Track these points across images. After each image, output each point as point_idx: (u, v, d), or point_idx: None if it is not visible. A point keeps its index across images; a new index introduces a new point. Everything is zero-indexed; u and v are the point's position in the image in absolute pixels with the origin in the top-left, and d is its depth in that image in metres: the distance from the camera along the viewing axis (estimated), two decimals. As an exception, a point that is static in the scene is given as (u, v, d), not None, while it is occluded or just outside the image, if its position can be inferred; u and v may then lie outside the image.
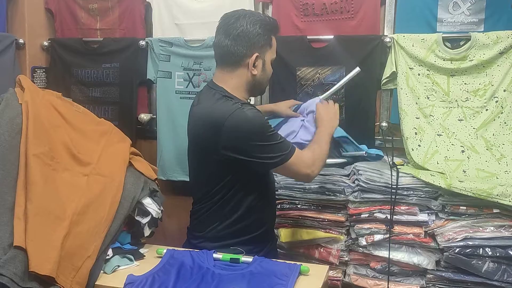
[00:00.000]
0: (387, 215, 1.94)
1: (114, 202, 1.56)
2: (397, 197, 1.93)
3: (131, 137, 1.90)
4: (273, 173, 1.83)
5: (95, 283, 1.44)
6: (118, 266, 1.54)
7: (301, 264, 1.56)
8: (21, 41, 2.59)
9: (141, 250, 1.69)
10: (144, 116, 2.59)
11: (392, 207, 1.92)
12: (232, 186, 1.63)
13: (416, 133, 2.06)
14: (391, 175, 1.94)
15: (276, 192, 2.00)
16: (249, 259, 1.55)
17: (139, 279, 1.42)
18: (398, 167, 1.99)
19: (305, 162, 1.62)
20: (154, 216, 1.74)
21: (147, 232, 1.75)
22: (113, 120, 2.40)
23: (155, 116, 2.56)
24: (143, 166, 1.79)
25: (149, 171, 1.80)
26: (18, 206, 1.37)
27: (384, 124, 2.23)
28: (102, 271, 1.50)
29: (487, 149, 1.98)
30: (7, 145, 1.49)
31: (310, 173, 1.64)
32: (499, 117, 1.99)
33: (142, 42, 2.51)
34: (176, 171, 2.52)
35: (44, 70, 2.71)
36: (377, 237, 1.96)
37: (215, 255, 1.56)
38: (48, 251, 1.31)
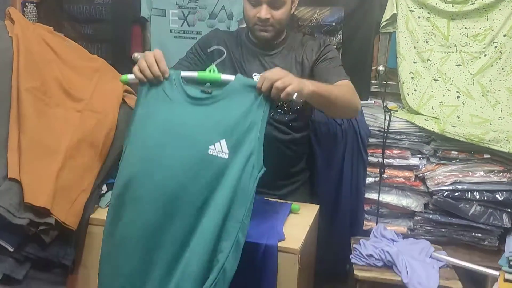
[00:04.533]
0: (380, 159, 1.97)
1: (108, 138, 1.56)
2: (390, 141, 1.95)
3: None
4: None
5: (90, 216, 1.47)
6: (113, 201, 1.57)
7: (292, 203, 1.59)
8: (10, -27, 2.49)
9: (136, 187, 1.71)
10: (138, 55, 2.52)
11: (383, 151, 1.94)
12: None
13: (412, 78, 2.05)
14: (384, 119, 1.94)
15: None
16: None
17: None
18: (392, 112, 1.99)
19: None
20: (148, 153, 1.75)
21: (141, 169, 1.77)
22: (106, 58, 2.33)
23: (149, 56, 2.51)
24: (136, 104, 1.78)
25: (143, 109, 1.78)
26: (11, 139, 1.37)
27: (381, 68, 2.20)
28: (97, 205, 1.52)
29: (482, 95, 1.97)
30: (-2, 79, 1.46)
31: None
32: (497, 62, 1.97)
33: (135, -23, 2.41)
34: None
35: (35, 4, 2.62)
36: (369, 180, 1.99)
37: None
38: (42, 183, 1.32)
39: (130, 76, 1.33)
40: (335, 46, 1.83)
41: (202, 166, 1.21)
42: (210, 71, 1.32)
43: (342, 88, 1.50)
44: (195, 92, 1.28)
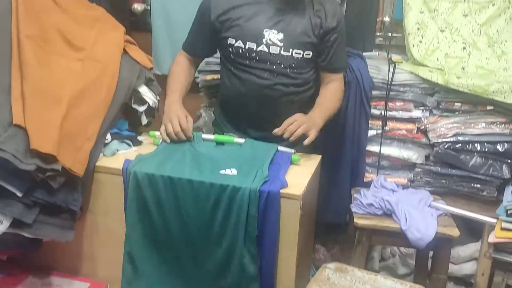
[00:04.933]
0: (382, 111, 1.96)
1: (110, 88, 1.57)
2: (393, 93, 1.94)
3: (125, 28, 1.85)
4: None
5: (96, 164, 1.49)
6: (117, 150, 1.59)
7: (293, 153, 1.61)
8: None
9: (139, 138, 1.73)
10: (138, 7, 2.48)
11: (386, 103, 1.94)
12: None
13: (418, 29, 2.01)
14: (388, 71, 1.93)
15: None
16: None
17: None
18: (396, 63, 1.97)
19: None
20: (151, 105, 1.76)
21: (144, 121, 1.78)
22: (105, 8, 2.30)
23: (149, 8, 2.46)
24: (138, 54, 1.77)
25: (144, 59, 1.78)
26: (14, 87, 1.38)
27: (386, 19, 2.16)
28: (102, 154, 1.55)
29: (488, 46, 1.95)
30: (-3, 25, 1.45)
31: None
32: (505, 12, 1.93)
33: None
34: (172, 65, 2.48)
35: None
36: (371, 133, 1.99)
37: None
38: (47, 130, 1.33)
39: (158, 134, 1.65)
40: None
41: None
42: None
43: (335, 96, 1.74)
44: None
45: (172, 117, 1.56)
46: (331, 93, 1.73)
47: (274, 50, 1.61)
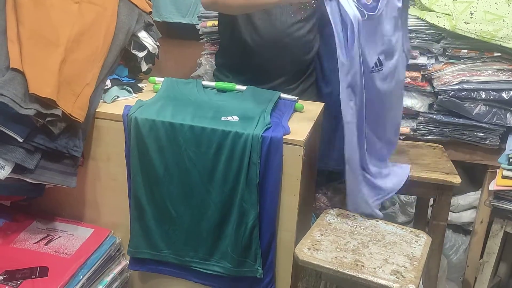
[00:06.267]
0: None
1: (108, 32, 1.52)
2: (398, 39, 1.89)
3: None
4: None
5: (96, 110, 1.47)
6: (118, 96, 1.56)
7: (297, 101, 1.59)
8: None
9: (139, 85, 1.70)
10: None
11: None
12: None
13: (426, -28, 1.94)
14: (395, 16, 1.87)
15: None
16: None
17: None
18: (403, 8, 1.91)
19: None
20: (150, 50, 1.71)
21: (144, 67, 1.74)
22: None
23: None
24: (136, -2, 1.70)
25: (143, 3, 1.71)
26: (9, 29, 1.33)
27: (393, -38, 2.07)
28: (102, 100, 1.53)
29: (498, -10, 1.88)
30: (-11, -34, 1.39)
31: None
32: (517, -45, 1.85)
33: None
34: (172, 12, 2.42)
35: None
36: (374, 80, 1.96)
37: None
38: (46, 75, 1.30)
39: (158, 80, 1.67)
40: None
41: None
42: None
43: None
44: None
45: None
46: None
47: None
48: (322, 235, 1.31)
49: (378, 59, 1.45)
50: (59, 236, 1.53)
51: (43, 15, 1.38)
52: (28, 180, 1.36)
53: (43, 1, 1.41)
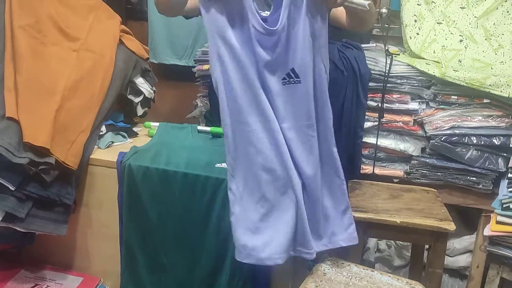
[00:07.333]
0: (379, 103, 1.95)
1: (105, 79, 1.54)
2: (390, 85, 1.92)
3: (120, 17, 1.82)
4: None
5: (90, 157, 1.47)
6: (112, 142, 1.57)
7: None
8: None
9: (134, 129, 1.71)
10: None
11: (383, 95, 1.92)
12: None
13: (415, 21, 2.00)
14: (385, 63, 1.91)
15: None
16: None
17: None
18: (394, 55, 1.96)
19: None
20: (146, 95, 1.74)
21: (140, 111, 1.76)
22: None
23: (145, -4, 2.44)
24: (134, 44, 1.74)
25: (140, 50, 1.75)
26: (7, 78, 1.35)
27: (384, 10, 2.14)
28: (96, 146, 1.53)
29: (485, 39, 1.94)
30: (-10, 16, 1.42)
31: None
32: (502, 5, 1.92)
33: None
34: (168, 55, 2.46)
35: None
36: (367, 124, 1.98)
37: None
38: (41, 123, 1.31)
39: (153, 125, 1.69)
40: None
41: None
42: None
43: None
44: None
45: None
46: None
47: None
48: (317, 286, 1.28)
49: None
50: (47, 286, 1.50)
51: (41, 64, 1.41)
52: (18, 228, 1.34)
53: (41, 50, 1.44)
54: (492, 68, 1.89)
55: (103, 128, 1.56)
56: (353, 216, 1.60)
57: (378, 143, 1.99)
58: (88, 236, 1.54)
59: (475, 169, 1.89)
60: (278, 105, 1.22)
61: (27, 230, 1.35)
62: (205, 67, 2.10)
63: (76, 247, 1.56)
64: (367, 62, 1.95)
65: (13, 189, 1.28)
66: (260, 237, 1.21)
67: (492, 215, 1.77)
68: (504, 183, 1.82)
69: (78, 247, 1.56)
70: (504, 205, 1.70)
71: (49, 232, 1.37)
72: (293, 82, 1.24)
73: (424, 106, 1.94)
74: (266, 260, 1.21)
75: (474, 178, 1.92)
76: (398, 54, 2.00)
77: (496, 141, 1.84)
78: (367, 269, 1.39)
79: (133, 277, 1.46)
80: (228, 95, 1.20)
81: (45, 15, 1.52)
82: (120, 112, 1.70)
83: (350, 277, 1.33)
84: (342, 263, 1.40)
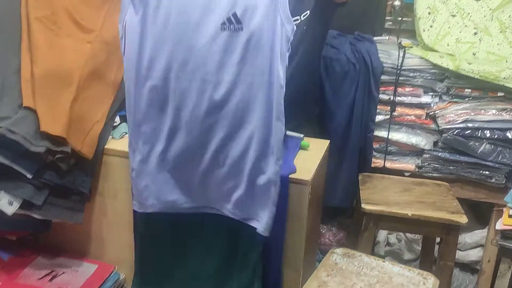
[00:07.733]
0: (391, 96, 1.95)
1: (119, 70, 1.55)
2: (402, 78, 1.92)
3: (134, 8, 1.83)
4: None
5: (104, 147, 1.49)
6: (126, 132, 1.59)
7: (302, 139, 1.61)
8: None
9: (148, 120, 1.72)
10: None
11: (395, 88, 1.92)
12: None
13: (429, 13, 1.98)
14: (398, 56, 1.91)
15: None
16: None
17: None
18: (406, 48, 1.95)
19: None
20: (159, 87, 1.74)
21: (153, 103, 1.77)
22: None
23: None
24: (147, 36, 1.75)
25: (153, 42, 1.76)
26: (24, 69, 1.37)
27: (397, 3, 2.13)
28: (110, 136, 1.55)
29: (500, 32, 1.92)
30: (6, 8, 1.44)
31: None
32: (518, -3, 1.90)
33: None
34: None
35: None
36: (379, 118, 1.98)
37: None
38: (57, 113, 1.33)
39: None
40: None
41: None
42: None
43: None
44: None
45: None
46: None
47: None
48: (328, 275, 1.30)
49: None
50: (63, 272, 1.53)
51: (56, 55, 1.43)
52: (35, 216, 1.37)
53: (57, 41, 1.46)
54: (507, 61, 1.87)
55: (117, 119, 1.58)
56: (365, 209, 1.61)
57: (390, 136, 1.99)
58: (103, 224, 1.56)
59: (488, 163, 1.88)
60: None
61: (44, 217, 1.38)
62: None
63: (91, 236, 1.58)
64: (379, 55, 1.95)
65: (30, 177, 1.31)
66: None
67: (504, 209, 1.76)
68: (517, 177, 1.82)
69: (93, 236, 1.59)
70: (517, 199, 1.69)
71: (66, 219, 1.40)
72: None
73: (437, 99, 1.93)
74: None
75: (487, 172, 1.91)
76: (411, 47, 2.00)
77: (509, 135, 1.83)
78: (378, 260, 1.39)
79: (146, 266, 1.48)
80: None
81: (60, 7, 1.54)
82: (134, 103, 1.72)
83: (362, 266, 1.34)
84: (353, 253, 1.41)
